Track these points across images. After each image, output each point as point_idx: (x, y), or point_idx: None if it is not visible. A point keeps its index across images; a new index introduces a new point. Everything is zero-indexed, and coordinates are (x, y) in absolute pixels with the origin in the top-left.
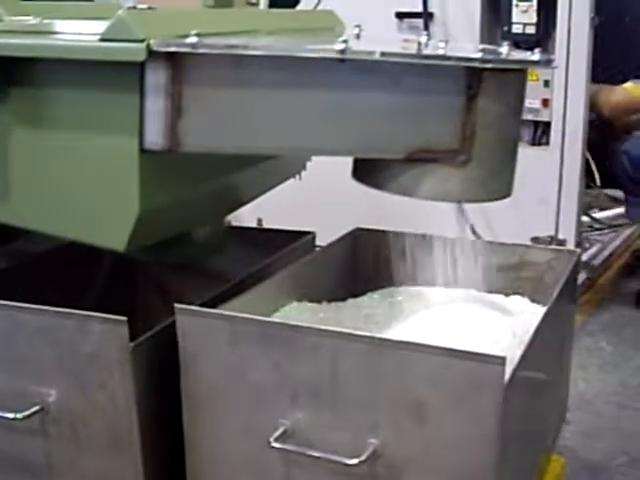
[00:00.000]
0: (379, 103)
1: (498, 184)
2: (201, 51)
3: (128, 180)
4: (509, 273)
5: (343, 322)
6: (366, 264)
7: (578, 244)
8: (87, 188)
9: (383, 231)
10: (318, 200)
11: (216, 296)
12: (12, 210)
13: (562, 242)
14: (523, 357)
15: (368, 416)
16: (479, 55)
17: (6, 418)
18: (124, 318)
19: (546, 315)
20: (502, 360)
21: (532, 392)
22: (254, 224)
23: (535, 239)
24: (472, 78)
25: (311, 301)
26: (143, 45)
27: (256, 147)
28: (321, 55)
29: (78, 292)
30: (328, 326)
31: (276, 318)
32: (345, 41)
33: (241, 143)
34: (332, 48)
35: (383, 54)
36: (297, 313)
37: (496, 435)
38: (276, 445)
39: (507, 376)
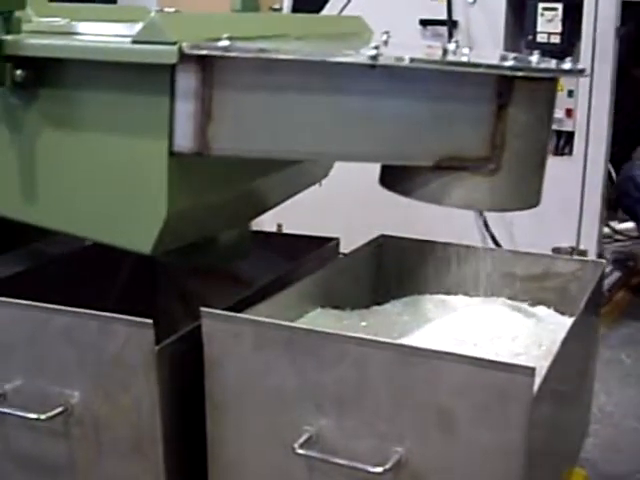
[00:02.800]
0: (409, 110)
1: (526, 193)
2: (233, 54)
3: (156, 183)
4: (534, 283)
5: (367, 329)
6: (390, 271)
7: (599, 255)
8: (114, 190)
9: (407, 239)
10: (337, 207)
11: (240, 301)
12: (38, 211)
13: (583, 253)
14: (551, 368)
15: (394, 424)
16: (511, 63)
17: (29, 419)
18: (149, 321)
19: (573, 326)
20: (531, 371)
21: (558, 404)
22: (274, 229)
23: (556, 249)
24: (503, 86)
25: (335, 308)
26: (175, 48)
27: (285, 152)
28: (353, 60)
29: (99, 294)
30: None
31: (301, 324)
32: (376, 47)
33: (270, 148)
34: (364, 54)
35: (414, 60)
36: (321, 319)
37: (523, 446)
38: (300, 452)
39: (535, 387)
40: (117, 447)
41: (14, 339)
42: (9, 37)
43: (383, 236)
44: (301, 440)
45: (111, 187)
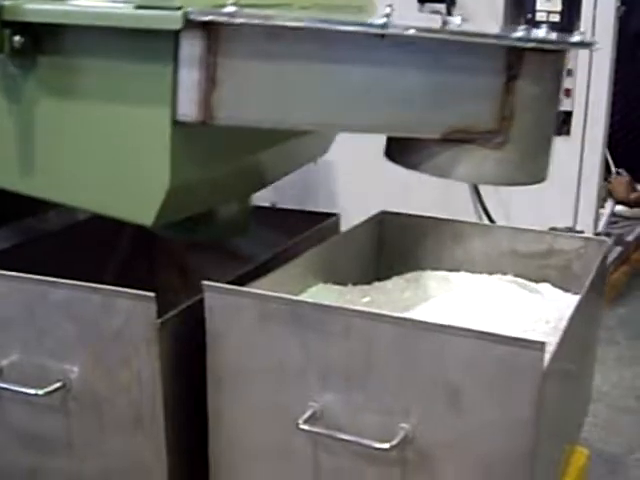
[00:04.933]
0: (417, 81)
1: (534, 167)
2: (239, 21)
3: (159, 153)
4: (536, 260)
5: (369, 305)
6: (391, 248)
7: (596, 235)
8: (116, 160)
9: (408, 215)
10: (330, 184)
11: (241, 276)
12: (37, 182)
13: (580, 233)
14: (560, 344)
15: (400, 400)
16: (521, 34)
17: (27, 394)
18: (152, 294)
19: (580, 304)
20: (541, 346)
21: (564, 381)
22: None
23: (553, 229)
24: (512, 58)
25: (336, 283)
26: (179, 13)
27: (290, 122)
28: (362, 29)
29: (95, 270)
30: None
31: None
32: (387, 15)
33: (275, 117)
34: (373, 22)
35: (424, 30)
36: (323, 294)
37: (532, 422)
38: (304, 427)
39: (545, 363)
40: (117, 423)
41: (11, 312)
42: (7, 2)
43: (384, 212)
44: (305, 415)
45: (112, 157)
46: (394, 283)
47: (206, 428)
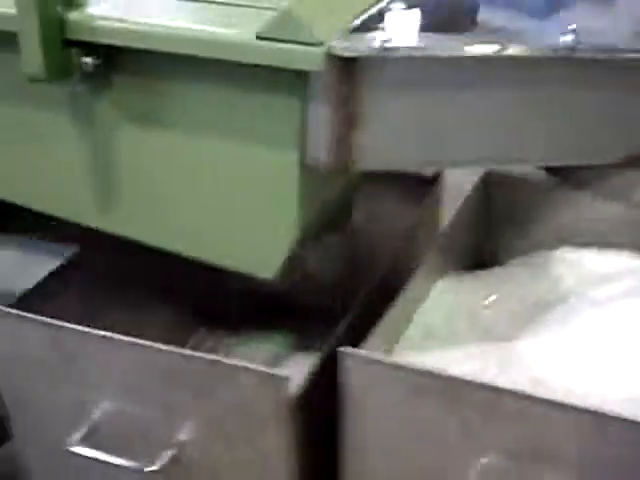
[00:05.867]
0: (597, 103)
1: None
2: (395, 55)
3: (284, 201)
4: None
5: (496, 304)
6: (499, 216)
7: None
8: (225, 204)
9: (519, 177)
10: None
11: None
12: (123, 219)
13: None
14: None
15: None
16: None
17: (133, 469)
18: (286, 374)
19: None
20: None
21: None
22: None
23: None
24: None
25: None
26: (320, 50)
27: (446, 161)
28: (547, 55)
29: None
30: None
31: (429, 307)
32: (574, 31)
33: (430, 158)
34: (559, 43)
35: (618, 51)
36: (445, 297)
37: None
38: None
39: None
40: None
41: (106, 371)
42: (72, 15)
43: (490, 173)
44: None
45: (221, 200)
46: (517, 270)
47: None
